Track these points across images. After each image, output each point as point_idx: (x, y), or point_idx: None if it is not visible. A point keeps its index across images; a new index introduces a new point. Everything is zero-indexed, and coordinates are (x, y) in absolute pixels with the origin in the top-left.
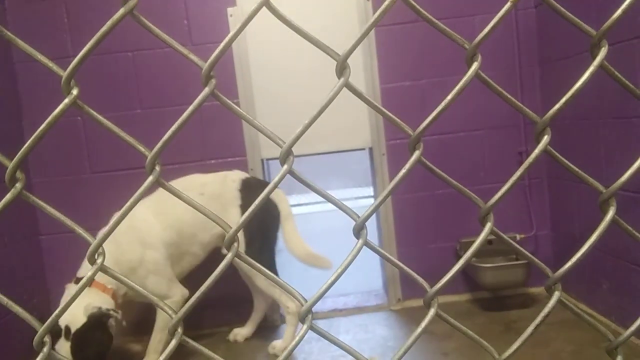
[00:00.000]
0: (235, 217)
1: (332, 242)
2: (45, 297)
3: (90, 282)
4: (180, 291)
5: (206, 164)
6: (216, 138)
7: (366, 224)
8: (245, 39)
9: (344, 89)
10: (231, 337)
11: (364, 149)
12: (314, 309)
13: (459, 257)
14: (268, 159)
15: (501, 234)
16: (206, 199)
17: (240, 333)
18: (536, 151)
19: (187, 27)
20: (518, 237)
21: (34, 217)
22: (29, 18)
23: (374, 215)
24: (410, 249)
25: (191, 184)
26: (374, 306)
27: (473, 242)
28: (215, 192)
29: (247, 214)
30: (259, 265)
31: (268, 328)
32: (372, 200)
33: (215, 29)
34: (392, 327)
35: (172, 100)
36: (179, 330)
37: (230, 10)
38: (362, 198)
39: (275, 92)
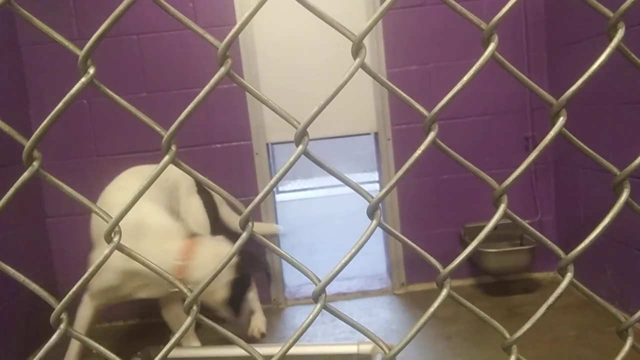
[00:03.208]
0: (196, 202)
1: (335, 227)
2: (52, 279)
3: (106, 259)
4: None
5: (212, 148)
6: (222, 122)
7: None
8: (252, 27)
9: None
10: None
11: (369, 133)
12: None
13: (463, 243)
14: (273, 144)
15: (514, 215)
16: (170, 186)
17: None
18: (551, 133)
19: (192, 10)
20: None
21: (40, 200)
22: (35, 1)
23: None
24: (415, 235)
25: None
26: (377, 290)
27: (478, 227)
28: (175, 181)
29: (261, 194)
30: (272, 244)
31: (272, 311)
32: (377, 185)
33: (221, 13)
34: (396, 311)
35: (177, 84)
36: (195, 308)
37: None
38: (367, 183)
39: (282, 80)
